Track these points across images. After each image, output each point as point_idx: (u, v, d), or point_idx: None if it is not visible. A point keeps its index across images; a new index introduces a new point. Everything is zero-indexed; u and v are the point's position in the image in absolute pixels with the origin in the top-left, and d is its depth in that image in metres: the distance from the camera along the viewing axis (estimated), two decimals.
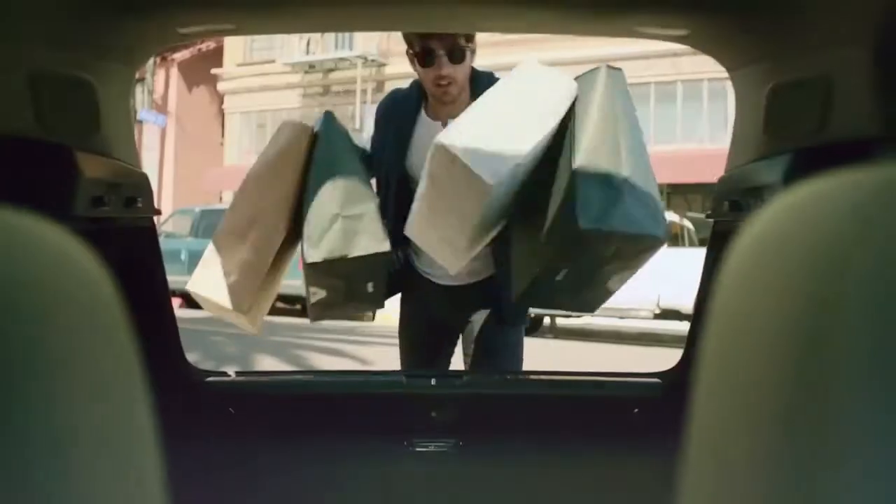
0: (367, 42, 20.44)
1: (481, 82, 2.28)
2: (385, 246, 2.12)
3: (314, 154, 2.17)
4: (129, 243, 1.77)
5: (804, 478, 0.35)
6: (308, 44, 21.77)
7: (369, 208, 2.13)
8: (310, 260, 2.07)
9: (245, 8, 1.58)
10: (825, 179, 0.38)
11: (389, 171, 2.37)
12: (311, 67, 21.83)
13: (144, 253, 1.83)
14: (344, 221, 2.09)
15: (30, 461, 0.39)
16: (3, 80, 1.28)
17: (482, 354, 2.40)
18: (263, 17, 1.70)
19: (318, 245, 2.07)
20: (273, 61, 22.36)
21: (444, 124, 2.27)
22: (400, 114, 2.40)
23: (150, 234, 1.86)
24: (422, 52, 2.21)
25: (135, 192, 1.68)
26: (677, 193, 17.98)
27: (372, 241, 2.10)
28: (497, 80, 2.24)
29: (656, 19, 1.60)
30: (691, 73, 16.62)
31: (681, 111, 18.30)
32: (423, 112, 2.39)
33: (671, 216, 12.43)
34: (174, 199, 21.48)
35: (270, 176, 2.19)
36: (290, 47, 21.88)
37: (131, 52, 1.64)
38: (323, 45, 21.70)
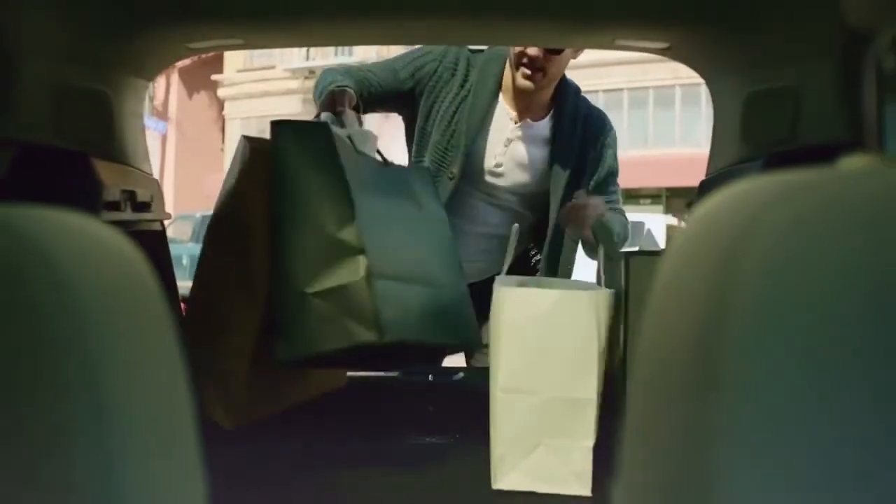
0: (366, 49, 20.47)
1: (564, 94, 2.17)
2: (375, 335, 1.45)
3: (272, 194, 1.52)
4: (142, 246, 1.84)
5: (696, 464, 0.38)
6: (308, 50, 21.84)
7: (353, 273, 1.46)
8: (280, 357, 1.51)
9: (254, 24, 1.64)
10: (735, 186, 0.43)
11: (447, 156, 2.11)
12: (311, 73, 21.84)
13: (156, 255, 1.89)
14: (315, 302, 1.47)
15: (83, 435, 0.43)
16: (27, 92, 1.37)
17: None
18: (272, 33, 1.75)
19: (286, 336, 1.50)
20: (273, 67, 22.42)
21: (519, 121, 2.19)
22: (477, 91, 2.13)
23: (161, 237, 1.93)
24: None
25: (147, 196, 1.75)
26: (676, 196, 17.99)
27: (359, 325, 1.46)
28: (579, 98, 2.17)
29: (637, 32, 1.68)
30: (689, 77, 16.63)
31: (679, 115, 18.35)
32: (500, 99, 2.19)
33: (670, 219, 12.51)
34: (175, 204, 21.42)
35: (231, 228, 1.60)
36: (290, 53, 21.93)
37: (144, 66, 1.72)
38: (323, 52, 21.74)
